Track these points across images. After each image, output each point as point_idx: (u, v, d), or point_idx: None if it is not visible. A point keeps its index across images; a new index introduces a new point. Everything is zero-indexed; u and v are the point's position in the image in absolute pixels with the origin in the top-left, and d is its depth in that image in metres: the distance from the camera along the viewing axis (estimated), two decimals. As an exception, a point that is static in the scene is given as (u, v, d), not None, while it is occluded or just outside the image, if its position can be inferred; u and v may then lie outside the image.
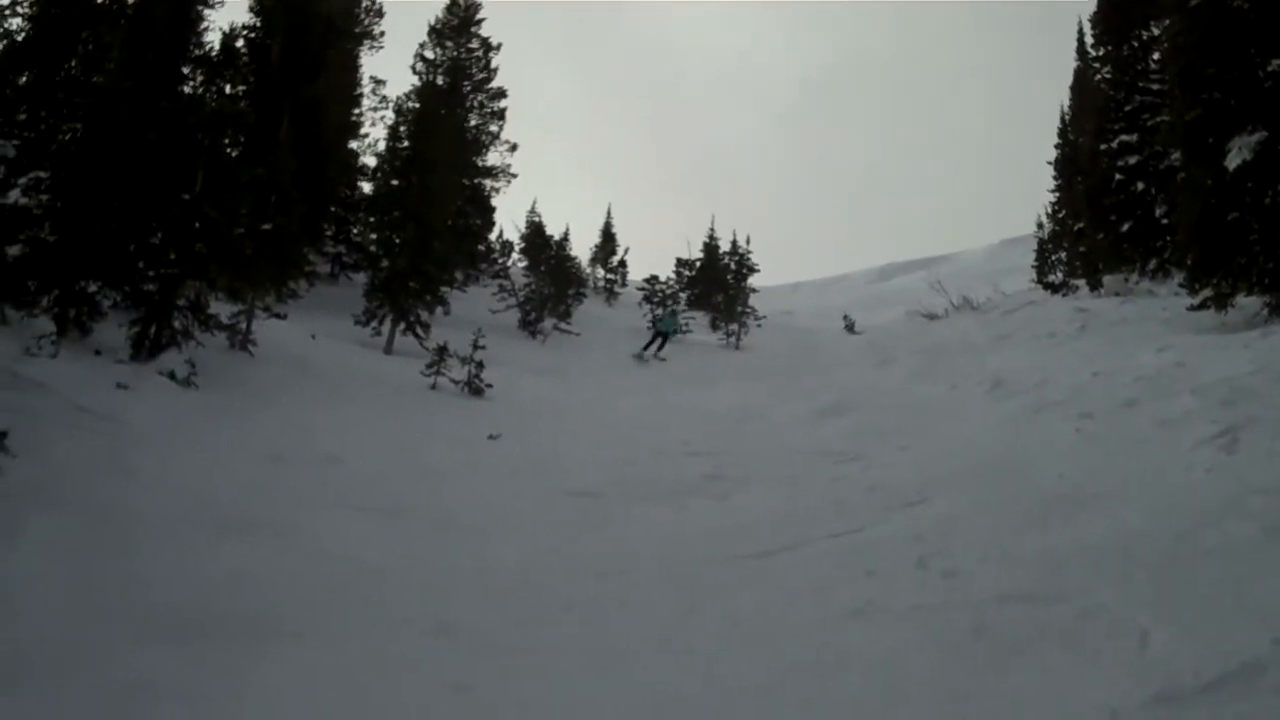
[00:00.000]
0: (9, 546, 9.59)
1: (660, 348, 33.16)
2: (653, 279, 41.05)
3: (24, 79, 18.77)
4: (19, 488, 10.94)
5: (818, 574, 10.91)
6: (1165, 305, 24.07)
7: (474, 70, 46.53)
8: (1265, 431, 11.92)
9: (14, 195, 17.72)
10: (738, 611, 10.02)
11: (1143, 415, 14.31)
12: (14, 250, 17.47)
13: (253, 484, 13.78)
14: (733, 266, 43.49)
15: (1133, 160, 31.32)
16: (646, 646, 9.14)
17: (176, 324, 19.25)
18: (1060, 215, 40.10)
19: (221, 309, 21.32)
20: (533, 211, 45.49)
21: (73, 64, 19.15)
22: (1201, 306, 21.65)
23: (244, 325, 22.37)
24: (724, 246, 45.23)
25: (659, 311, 38.68)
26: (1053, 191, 41.43)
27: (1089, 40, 39.20)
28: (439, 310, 31.48)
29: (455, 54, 46.04)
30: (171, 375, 17.88)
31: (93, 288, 18.50)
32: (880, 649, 8.42)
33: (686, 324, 35.05)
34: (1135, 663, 7.12)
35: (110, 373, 16.87)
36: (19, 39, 18.92)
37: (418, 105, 36.70)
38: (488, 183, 46.89)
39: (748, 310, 40.82)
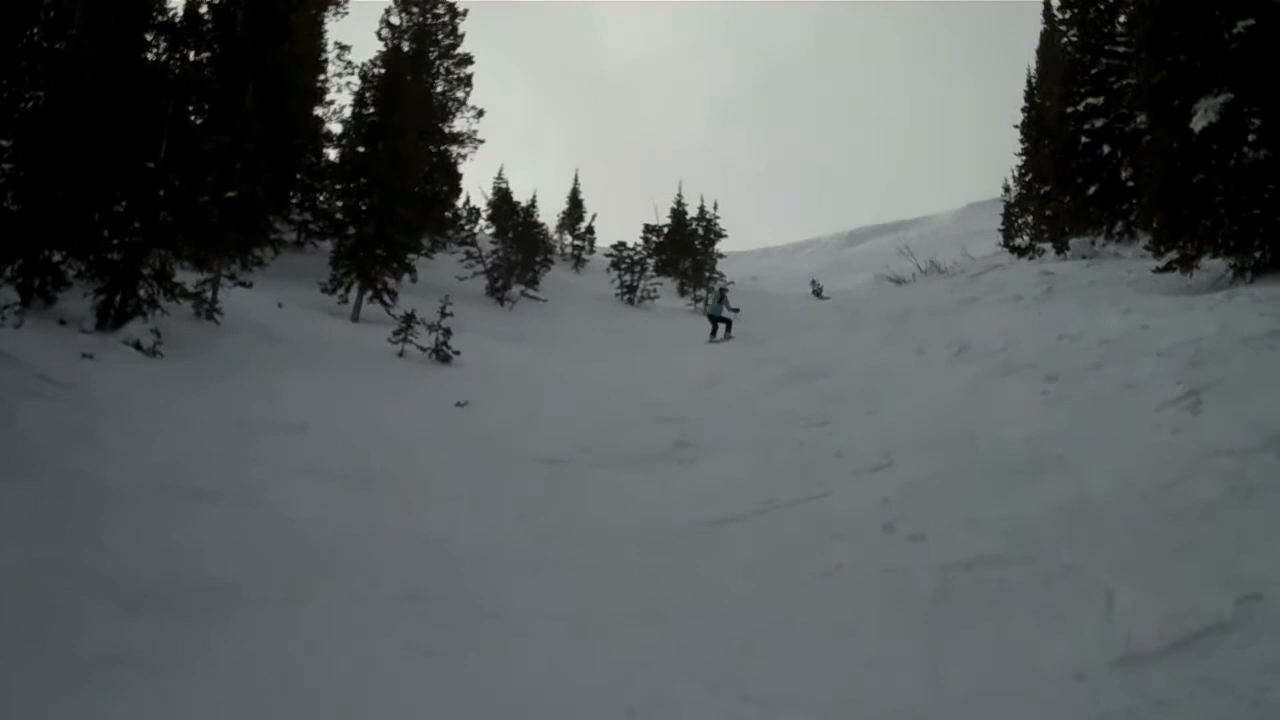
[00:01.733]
0: (-27, 517, 9.55)
1: (728, 330, 31.72)
2: (620, 245, 40.96)
3: (-16, 46, 18.57)
4: (-18, 457, 10.89)
5: (785, 538, 10.97)
6: (1131, 268, 24.13)
7: (440, 36, 46.30)
8: (1230, 393, 11.99)
9: (-25, 164, 17.57)
10: (706, 576, 10.07)
11: (1108, 378, 14.37)
12: (-24, 219, 17.35)
13: (219, 452, 13.73)
14: (700, 232, 43.48)
15: (1099, 123, 31.34)
16: (615, 612, 9.18)
17: (141, 293, 19.12)
18: (1027, 179, 40.22)
19: (187, 277, 21.18)
20: (500, 178, 45.34)
21: (34, 31, 18.90)
22: (1167, 269, 21.71)
23: (210, 294, 22.25)
24: (691, 212, 45.21)
25: (708, 298, 36.52)
26: (1020, 155, 41.58)
27: (1056, 3, 39.28)
28: (406, 278, 31.39)
29: (421, 20, 45.80)
30: (137, 344, 17.77)
31: (57, 257, 18.35)
32: (847, 612, 8.48)
33: (734, 306, 33.77)
34: (1101, 624, 7.18)
35: (75, 342, 16.78)
36: (-22, 5, 18.71)
37: (383, 71, 36.45)
38: (454, 149, 46.75)
39: (715, 275, 40.84)
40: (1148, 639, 6.75)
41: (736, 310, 31.99)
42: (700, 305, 39.40)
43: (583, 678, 7.66)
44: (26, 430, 12.15)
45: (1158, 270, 22.01)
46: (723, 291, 32.89)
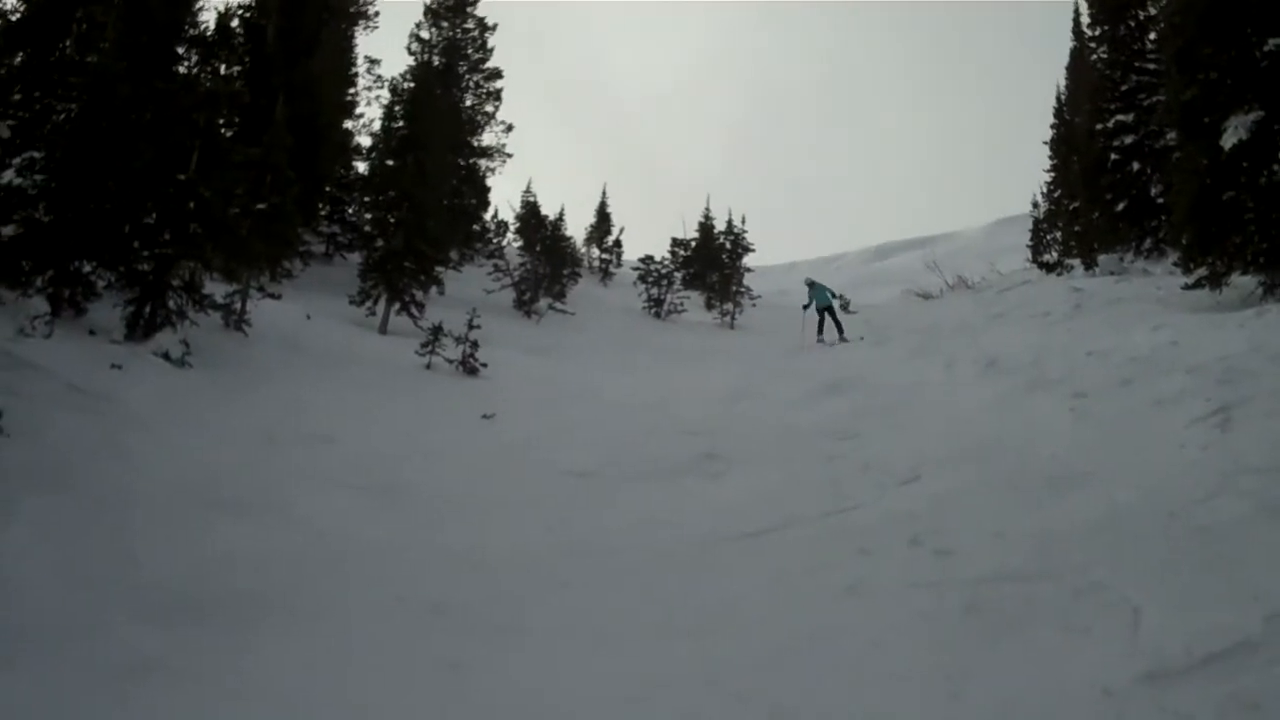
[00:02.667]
0: (2, 526, 9.60)
1: (838, 327, 30.52)
2: (648, 259, 40.93)
3: (18, 59, 18.71)
4: (13, 468, 10.94)
5: (811, 553, 10.94)
6: (1160, 284, 24.04)
7: (469, 50, 46.44)
8: (1259, 410, 11.93)
9: (8, 175, 17.70)
10: (731, 591, 10.06)
11: (1137, 394, 14.31)
12: (8, 230, 17.48)
13: (247, 464, 13.78)
14: (728, 246, 43.43)
15: (1128, 140, 31.28)
16: (639, 626, 9.18)
17: (171, 304, 19.23)
18: (1056, 195, 40.12)
19: (216, 289, 21.29)
20: (528, 191, 45.29)
21: (67, 44, 19.09)
22: (1196, 286, 21.63)
23: (238, 305, 22.35)
24: (719, 226, 45.16)
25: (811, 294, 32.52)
26: (1049, 171, 41.49)
27: (1085, 20, 39.22)
28: (434, 290, 31.41)
29: (451, 34, 45.93)
30: (166, 355, 17.86)
31: (87, 268, 18.49)
32: (873, 627, 8.45)
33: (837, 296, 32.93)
34: (1127, 640, 7.15)
35: (105, 353, 16.86)
36: (13, 19, 18.84)
37: (413, 85, 36.54)
38: (483, 163, 46.83)
39: (743, 290, 40.81)
40: (1175, 656, 6.72)
41: (808, 307, 31.20)
42: (726, 320, 39.38)
43: (609, 691, 7.66)
44: (57, 441, 12.21)
45: (1187, 287, 21.94)
46: (811, 284, 32.29)
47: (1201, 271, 21.55)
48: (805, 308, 31.43)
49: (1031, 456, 12.69)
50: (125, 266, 18.88)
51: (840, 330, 30.24)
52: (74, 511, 10.38)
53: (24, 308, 16.84)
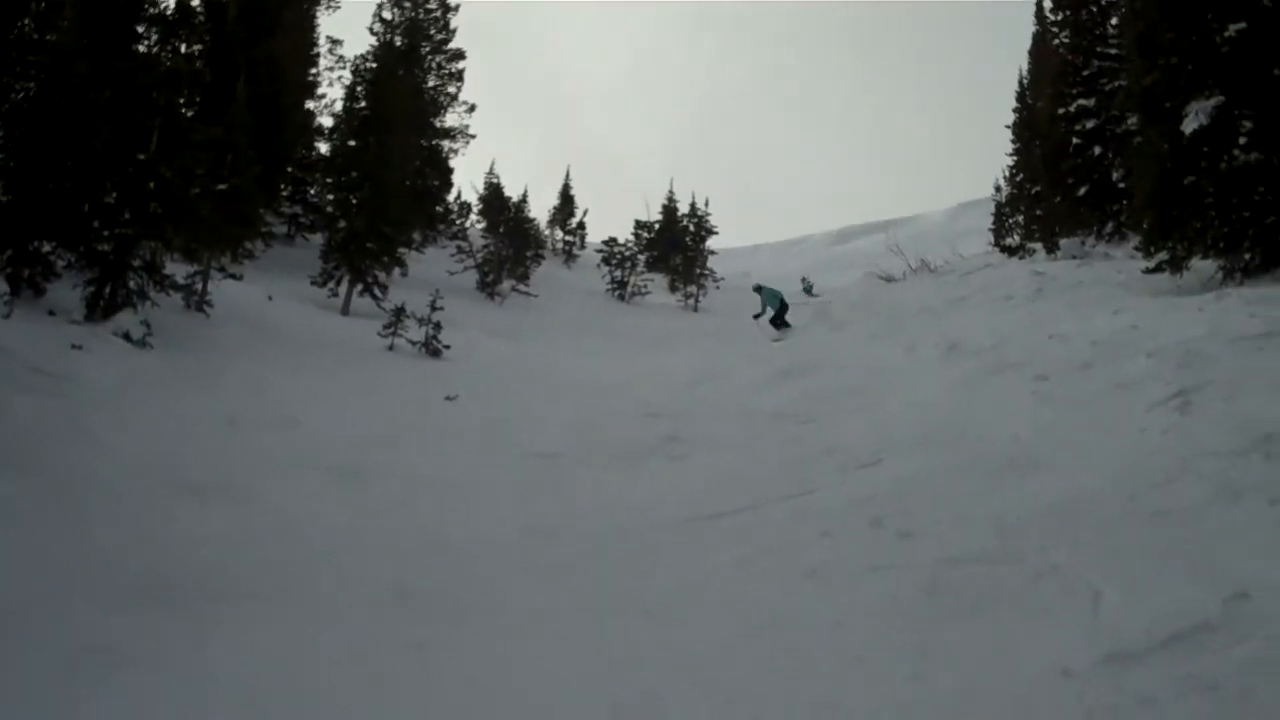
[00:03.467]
0: (-38, 508, 9.56)
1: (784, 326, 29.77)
2: (611, 241, 40.97)
3: (-24, 37, 18.57)
4: (-28, 449, 10.89)
5: (774, 535, 10.96)
6: (1121, 269, 24.14)
7: (432, 31, 46.35)
8: (1218, 394, 12.00)
9: (-34, 155, 17.58)
10: (694, 573, 10.07)
11: (1098, 378, 14.37)
12: (-34, 210, 17.36)
13: (210, 446, 13.73)
14: (691, 229, 43.46)
15: (1090, 124, 31.36)
16: (604, 608, 9.18)
17: (131, 284, 19.15)
18: (1018, 179, 40.23)
19: (177, 269, 21.20)
20: (491, 173, 45.25)
21: (26, 22, 18.90)
22: (1157, 270, 21.72)
23: (200, 286, 22.28)
24: (683, 209, 45.18)
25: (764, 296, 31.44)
26: (1011, 155, 41.64)
27: (1048, 5, 39.34)
28: (396, 271, 31.40)
29: (414, 14, 45.83)
30: (126, 336, 17.78)
31: (46, 248, 18.38)
32: (835, 609, 8.47)
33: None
34: (1088, 622, 7.19)
35: (65, 333, 16.76)
36: (-30, -3, 18.70)
37: (375, 65, 36.43)
38: (446, 144, 46.81)
39: (706, 272, 40.85)
40: (1134, 637, 6.75)
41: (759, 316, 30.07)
42: (690, 302, 39.39)
43: (570, 674, 7.66)
44: (16, 423, 12.16)
45: (1148, 271, 22.04)
46: (758, 289, 31.49)
47: (1162, 256, 21.65)
48: (757, 317, 30.67)
49: (993, 439, 12.73)
50: (85, 246, 18.78)
51: (781, 323, 29.95)
52: (35, 494, 10.33)
53: (-18, 288, 16.75)
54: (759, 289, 31.39)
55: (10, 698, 6.72)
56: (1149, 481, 9.86)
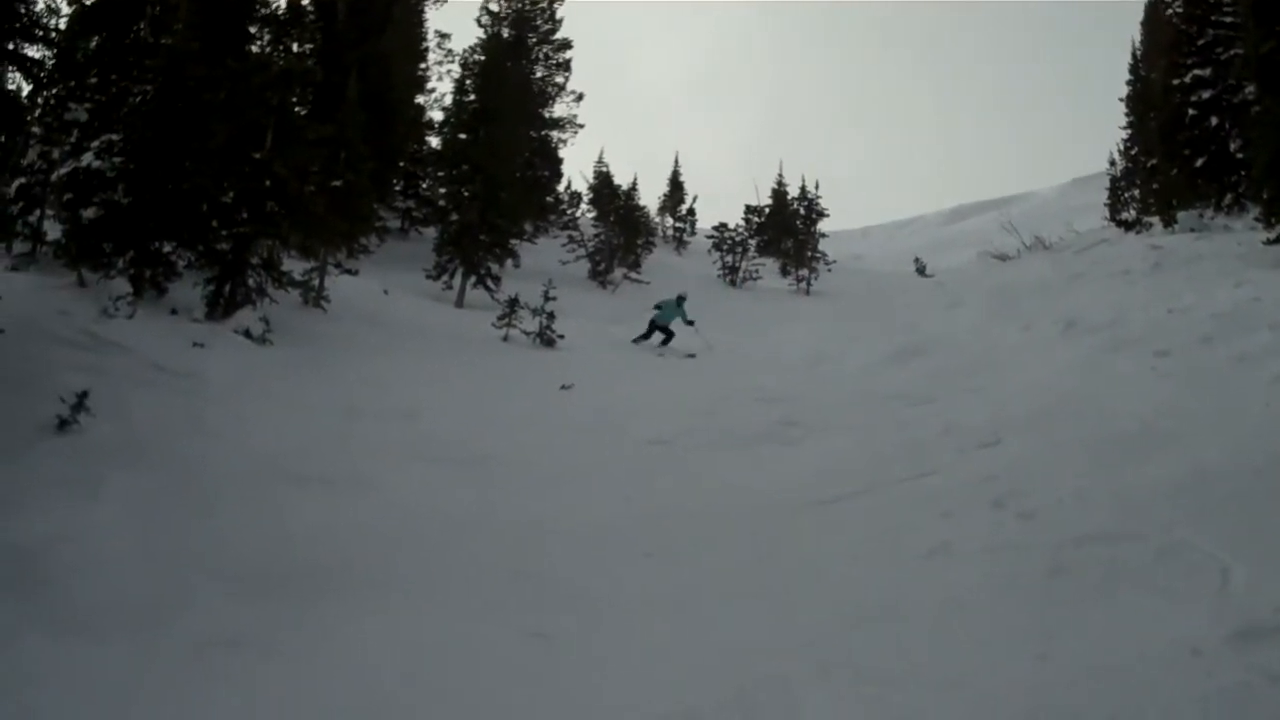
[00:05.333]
0: (91, 502, 9.77)
1: (665, 340, 26.76)
2: (721, 226, 40.73)
3: (94, 42, 18.93)
4: (99, 445, 11.13)
5: (892, 517, 10.91)
6: (1241, 240, 23.71)
7: (539, 22, 46.41)
8: (1345, 365, 11.77)
9: (87, 158, 17.93)
10: (813, 557, 10.05)
11: (1220, 352, 14.15)
12: (89, 213, 17.73)
13: (330, 438, 13.90)
14: (801, 212, 43.15)
15: (1206, 95, 30.80)
16: (724, 592, 9.20)
17: (250, 282, 19.43)
18: (1133, 152, 39.56)
19: (294, 266, 21.46)
20: (600, 161, 45.20)
21: (141, 26, 19.28)
22: (1278, 241, 21.34)
23: (316, 282, 22.54)
24: (793, 192, 44.89)
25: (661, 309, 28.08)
26: (1124, 128, 40.93)
27: (1160, -27, 38.64)
28: (509, 263, 31.60)
29: (520, 6, 45.90)
30: (246, 333, 18.03)
31: (167, 248, 18.71)
32: (956, 591, 8.42)
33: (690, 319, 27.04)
34: (1215, 600, 7.09)
35: (186, 331, 17.04)
36: (88, 3, 19.07)
37: (483, 58, 36.68)
38: (555, 134, 46.90)
39: (818, 255, 40.56)
40: (1263, 614, 6.64)
41: (692, 323, 26.76)
42: (801, 286, 39.19)
43: (694, 657, 7.69)
44: (141, 418, 12.40)
45: (1269, 242, 21.63)
46: (680, 300, 27.95)
47: (1283, 227, 21.26)
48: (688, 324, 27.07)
49: (1113, 416, 12.57)
50: (204, 246, 19.08)
51: (654, 337, 26.85)
52: (160, 488, 10.54)
53: (107, 289, 17.09)
54: (682, 299, 28.12)
55: (141, 688, 6.87)
56: (1274, 456, 9.70)
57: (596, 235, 38.08)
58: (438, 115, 42.55)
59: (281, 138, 20.05)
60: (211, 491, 10.89)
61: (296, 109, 21.89)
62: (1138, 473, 10.31)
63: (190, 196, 18.77)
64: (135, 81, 18.88)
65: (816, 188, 43.80)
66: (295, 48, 24.15)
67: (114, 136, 18.16)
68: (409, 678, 7.36)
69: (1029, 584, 8.22)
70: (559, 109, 47.30)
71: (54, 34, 17.86)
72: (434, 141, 40.37)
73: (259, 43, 22.05)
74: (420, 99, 42.12)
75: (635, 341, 26.66)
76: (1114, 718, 5.97)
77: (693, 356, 25.11)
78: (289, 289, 20.49)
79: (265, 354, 17.73)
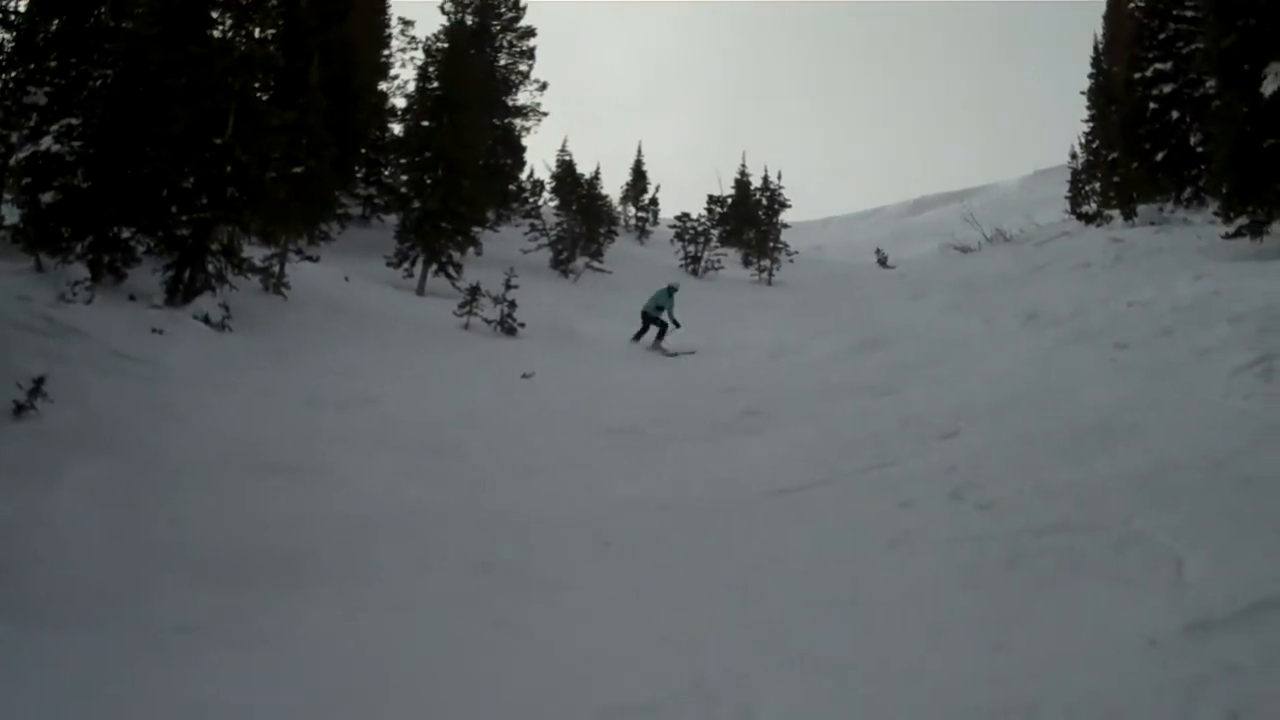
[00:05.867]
0: (50, 489, 9.73)
1: (660, 335, 25.14)
2: (684, 216, 40.78)
3: (54, 25, 18.78)
4: (58, 431, 11.09)
5: (853, 508, 10.94)
6: (1200, 234, 23.89)
7: (502, 9, 46.30)
8: (1303, 358, 11.88)
9: (46, 142, 17.83)
10: (774, 547, 10.06)
11: (1179, 344, 14.25)
12: (47, 197, 17.63)
13: (291, 426, 13.86)
14: (764, 202, 43.22)
15: (1167, 89, 31.03)
16: (685, 581, 9.19)
17: (210, 268, 19.36)
18: (1094, 145, 39.73)
19: (254, 252, 21.40)
20: (563, 150, 45.19)
21: (101, 10, 19.16)
22: (1237, 235, 21.50)
23: (277, 268, 22.48)
24: (755, 182, 44.94)
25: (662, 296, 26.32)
26: (1086, 122, 41.09)
27: (1123, -33, 38.85)
28: (471, 251, 31.55)
29: (483, -8, 45.79)
30: (206, 319, 17.97)
31: (126, 233, 18.63)
32: (916, 581, 8.44)
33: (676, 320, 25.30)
34: (1172, 591, 7.13)
35: (145, 318, 16.97)
36: (48, -15, 18.95)
37: (447, 45, 36.49)
38: (518, 122, 46.84)
39: (780, 246, 40.63)
40: (1219, 606, 6.69)
41: (678, 326, 25.14)
42: (764, 276, 39.25)
43: (652, 647, 7.68)
44: (99, 404, 12.35)
45: (1228, 236, 21.80)
46: (671, 290, 26.20)
47: (1242, 220, 21.42)
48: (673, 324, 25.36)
49: (1073, 408, 12.64)
50: (164, 231, 19.00)
51: (648, 335, 25.24)
52: (120, 476, 10.50)
53: (65, 274, 17.01)
54: (673, 290, 26.31)
55: (103, 676, 6.83)
56: (1232, 448, 9.78)
57: (559, 224, 38.03)
58: (401, 102, 42.55)
59: (243, 123, 19.97)
60: (173, 479, 10.86)
61: (258, 94, 21.79)
62: (1097, 464, 10.37)
63: (150, 182, 18.70)
64: (95, 65, 18.76)
65: (779, 178, 44.00)
66: (257, 33, 23.94)
67: (74, 120, 18.06)
68: (372, 665, 7.34)
69: (988, 574, 8.25)
70: (522, 97, 47.28)
71: (14, 16, 17.79)
72: (397, 128, 40.32)
73: (220, 27, 21.86)
74: (383, 86, 42.09)
75: (635, 339, 25.09)
76: (1070, 707, 6.00)
77: (693, 354, 23.57)
78: (249, 275, 20.43)
79: (225, 341, 17.68)
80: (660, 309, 25.42)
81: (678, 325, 25.14)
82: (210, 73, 19.86)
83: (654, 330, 25.25)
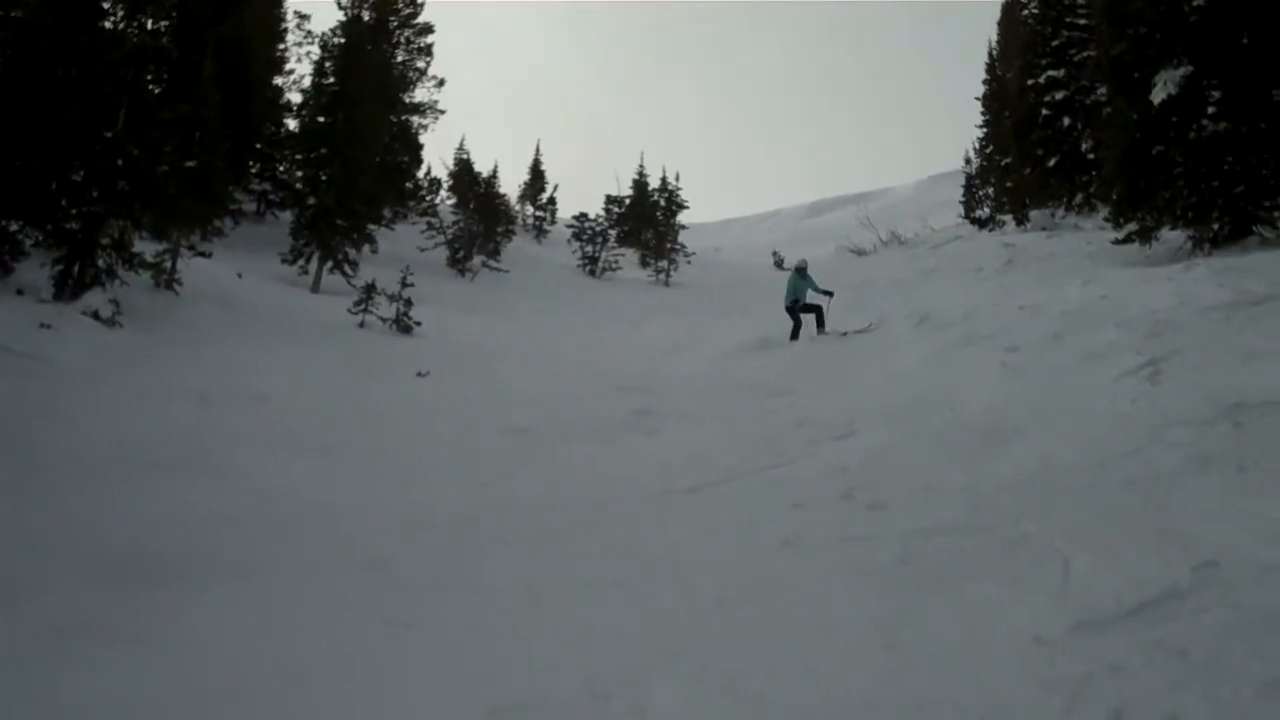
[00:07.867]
0: (-67, 487, 9.54)
1: (820, 322, 22.76)
2: (582, 216, 40.84)
3: (-61, 13, 18.44)
4: (-58, 428, 10.86)
5: (747, 507, 11.01)
6: (1091, 239, 24.33)
7: (400, 5, 45.98)
8: (1187, 363, 12.13)
9: (-69, 132, 17.47)
10: (670, 545, 10.09)
11: (1068, 348, 14.49)
12: (-69, 189, 17.26)
13: (182, 424, 13.70)
14: (662, 203, 43.38)
15: (1059, 95, 31.59)
16: (580, 581, 9.19)
17: (100, 263, 19.04)
18: (988, 150, 40.32)
19: (146, 247, 21.07)
20: (461, 148, 45.09)
21: (-11, -2, 18.83)
22: (1126, 240, 21.89)
23: (169, 264, 22.15)
24: (654, 183, 45.07)
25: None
26: (980, 127, 41.69)
27: (1016, -26, 39.41)
28: (366, 248, 31.28)
29: (382, -13, 45.47)
30: (96, 315, 17.69)
31: (14, 226, 18.27)
32: (809, 580, 8.51)
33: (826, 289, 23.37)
34: (1058, 591, 7.26)
35: (33, 312, 16.68)
36: (-67, -28, 18.58)
37: (343, 40, 36.20)
38: (415, 119, 46.52)
39: (678, 247, 40.78)
40: (1104, 605, 6.81)
41: (830, 294, 23.03)
42: (661, 277, 39.32)
43: (545, 646, 7.67)
44: (-13, 401, 12.13)
45: (1117, 242, 22.20)
46: (799, 270, 23.68)
47: (1131, 226, 21.82)
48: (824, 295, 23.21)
49: (964, 411, 12.84)
50: (53, 225, 18.67)
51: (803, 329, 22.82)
52: (9, 473, 10.32)
53: (-51, 268, 16.68)
54: (801, 269, 23.88)
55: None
56: (1119, 450, 9.97)
57: (456, 222, 37.93)
58: (296, 97, 41.92)
59: (134, 116, 19.67)
60: (64, 477, 10.70)
61: (151, 87, 21.49)
62: (986, 466, 10.54)
63: (39, 174, 18.35)
64: (-16, 54, 18.43)
65: (677, 179, 44.24)
66: (150, 24, 23.60)
67: (-41, 111, 17.71)
68: (263, 664, 7.26)
69: (879, 574, 8.34)
70: (420, 94, 46.98)
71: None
72: (292, 124, 39.82)
73: (112, 18, 21.52)
74: (279, 80, 41.54)
75: (794, 339, 22.36)
76: (958, 705, 6.07)
77: (862, 331, 21.39)
78: (140, 271, 20.11)
79: (115, 337, 17.42)
80: (796, 298, 23.08)
81: (830, 294, 23.00)
82: (102, 64, 19.55)
83: (810, 319, 22.84)
